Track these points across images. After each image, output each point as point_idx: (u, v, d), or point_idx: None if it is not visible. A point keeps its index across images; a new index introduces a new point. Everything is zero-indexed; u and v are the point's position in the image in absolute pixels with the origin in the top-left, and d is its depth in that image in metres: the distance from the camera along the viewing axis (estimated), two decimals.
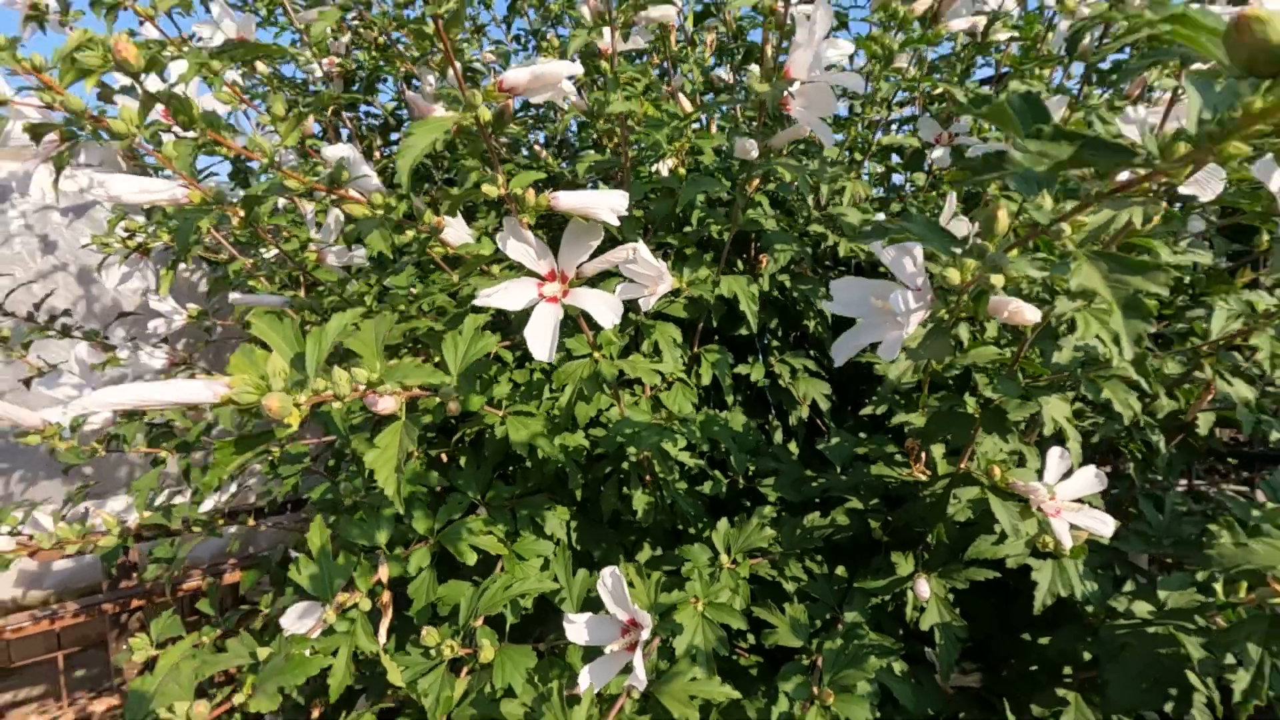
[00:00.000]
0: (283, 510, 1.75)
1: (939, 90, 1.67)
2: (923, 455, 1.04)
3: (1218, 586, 0.73)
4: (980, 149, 1.19)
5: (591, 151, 1.36)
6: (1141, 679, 0.77)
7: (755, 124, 1.05)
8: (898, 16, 1.10)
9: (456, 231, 0.90)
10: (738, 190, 1.16)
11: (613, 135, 1.29)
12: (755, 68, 1.58)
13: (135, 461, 2.02)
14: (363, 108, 1.87)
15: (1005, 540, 0.95)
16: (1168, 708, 0.76)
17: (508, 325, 1.28)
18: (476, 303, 0.81)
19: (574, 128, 1.88)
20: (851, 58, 1.08)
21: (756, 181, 1.20)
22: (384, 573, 0.94)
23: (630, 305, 1.14)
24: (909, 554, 1.02)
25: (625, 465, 1.21)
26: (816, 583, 1.08)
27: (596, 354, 1.02)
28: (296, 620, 0.83)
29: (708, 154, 1.38)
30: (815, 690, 0.88)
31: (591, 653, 0.87)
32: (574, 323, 0.99)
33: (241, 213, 0.83)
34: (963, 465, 0.97)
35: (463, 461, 1.17)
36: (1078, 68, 1.17)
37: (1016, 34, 1.40)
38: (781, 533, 1.15)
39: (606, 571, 0.84)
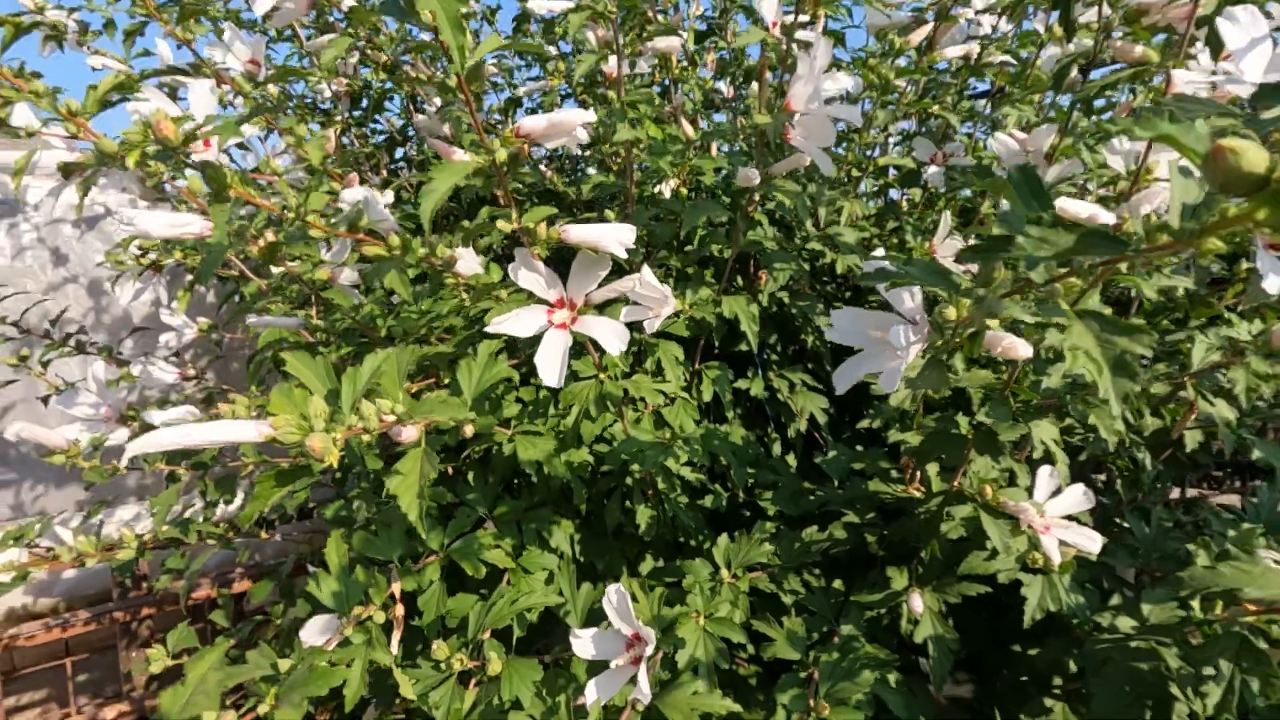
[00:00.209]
0: (289, 521, 1.78)
1: (935, 109, 1.71)
2: (918, 474, 1.08)
3: (1195, 604, 0.76)
4: (965, 163, 1.23)
5: (594, 171, 1.40)
6: (1124, 691, 0.80)
7: (756, 152, 1.08)
8: (894, 46, 1.14)
9: (468, 262, 0.94)
10: (739, 214, 1.19)
11: (618, 157, 1.32)
12: (755, 85, 1.62)
13: (143, 468, 2.06)
14: (370, 123, 1.90)
15: (996, 556, 0.99)
16: (1148, 717, 0.80)
17: (514, 344, 1.32)
18: (488, 329, 0.84)
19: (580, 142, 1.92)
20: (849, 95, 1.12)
21: (757, 198, 1.24)
22: (397, 587, 0.97)
23: (634, 324, 1.17)
24: (904, 569, 1.06)
25: (629, 480, 1.25)
26: (814, 596, 1.12)
27: (602, 375, 1.05)
28: (317, 634, 0.87)
29: (709, 174, 1.42)
30: (812, 703, 0.91)
31: (596, 666, 0.91)
32: (580, 344, 1.03)
33: (262, 243, 0.86)
34: (956, 483, 1.00)
35: (471, 477, 1.20)
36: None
37: (1009, 58, 1.44)
38: (780, 546, 1.18)
39: (612, 589, 0.87)
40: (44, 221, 1.95)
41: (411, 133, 1.83)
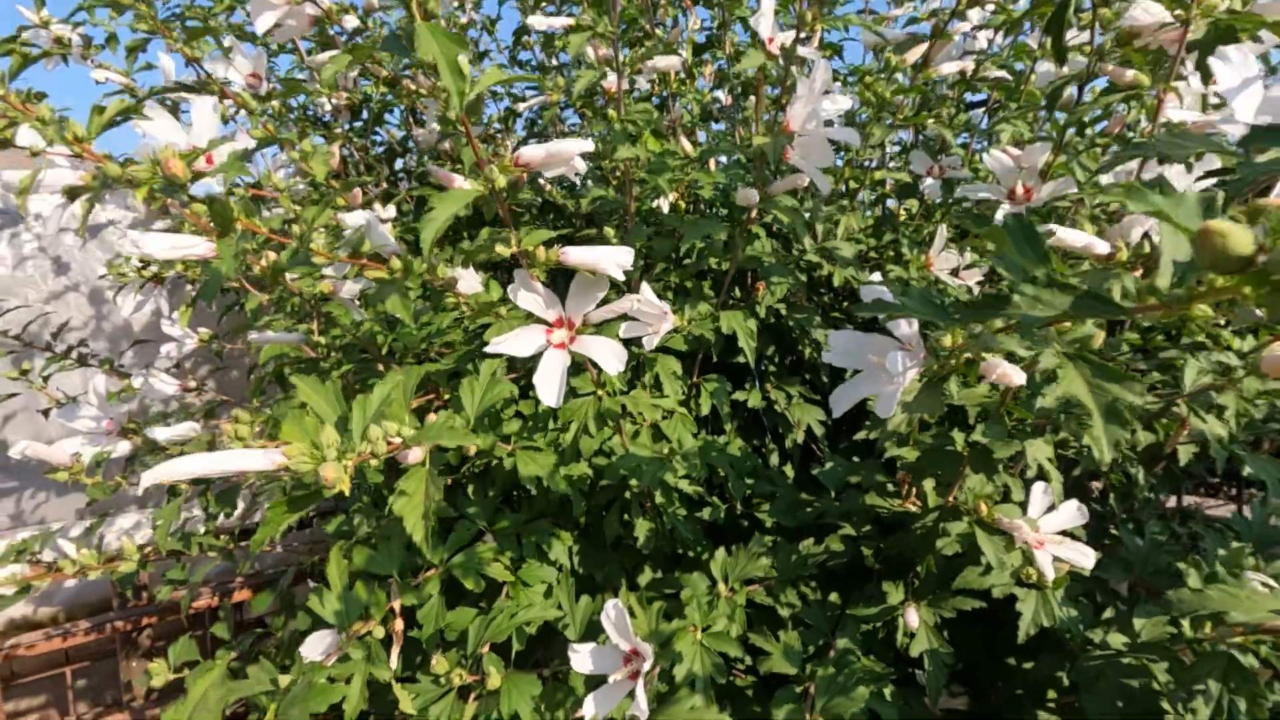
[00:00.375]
0: (290, 531, 1.79)
1: (930, 123, 1.72)
2: (914, 489, 1.09)
3: (1185, 623, 0.77)
4: (970, 190, 1.24)
5: (592, 184, 1.41)
6: (1115, 707, 0.81)
7: (755, 171, 1.10)
8: (890, 65, 1.15)
9: (468, 281, 0.95)
10: (737, 230, 1.21)
11: (617, 172, 1.34)
12: (753, 99, 1.63)
13: (146, 463, 2.07)
14: (371, 134, 1.91)
15: (991, 572, 1.00)
16: None
17: (513, 357, 1.33)
18: (488, 349, 0.85)
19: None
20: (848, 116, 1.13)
21: (755, 213, 1.25)
22: (397, 603, 0.98)
23: (633, 340, 1.19)
24: (899, 583, 1.07)
25: (627, 494, 1.26)
26: (810, 609, 1.13)
27: (600, 391, 1.06)
28: (316, 649, 0.87)
29: (707, 188, 1.43)
30: (808, 717, 0.92)
31: (595, 680, 0.92)
32: (580, 361, 1.04)
33: (265, 263, 0.87)
34: (951, 499, 1.02)
35: (471, 490, 1.21)
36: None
37: (1004, 73, 1.46)
38: (777, 559, 1.19)
39: (610, 604, 0.88)
40: (47, 232, 1.96)
41: (412, 144, 1.84)
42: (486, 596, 1.16)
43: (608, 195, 1.32)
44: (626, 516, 1.28)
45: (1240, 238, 0.31)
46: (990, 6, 1.35)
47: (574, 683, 1.05)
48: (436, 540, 1.09)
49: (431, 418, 0.76)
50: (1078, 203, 1.15)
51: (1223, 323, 1.07)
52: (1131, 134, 1.21)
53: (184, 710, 0.75)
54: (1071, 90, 1.00)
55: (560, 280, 0.92)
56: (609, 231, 1.22)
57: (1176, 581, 0.95)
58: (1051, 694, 1.03)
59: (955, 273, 1.50)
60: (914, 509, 1.07)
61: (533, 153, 0.70)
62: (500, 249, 0.78)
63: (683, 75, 1.62)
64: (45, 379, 1.39)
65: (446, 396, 1.13)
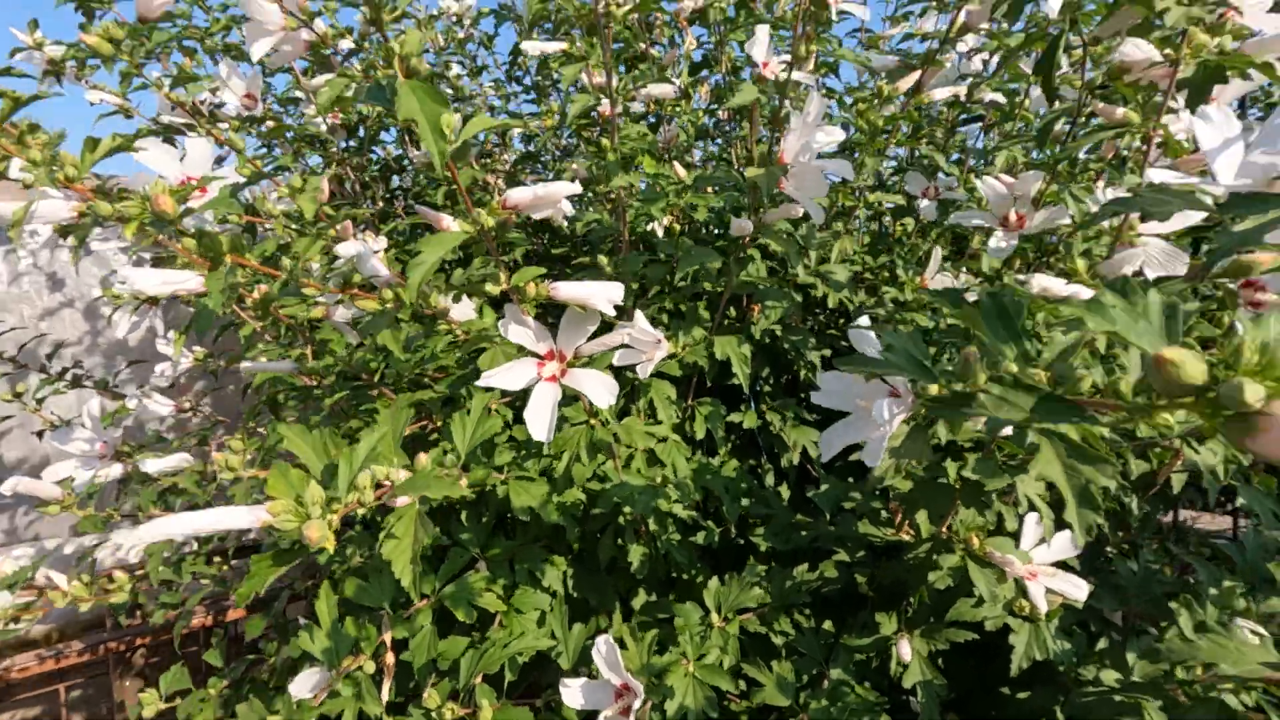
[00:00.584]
0: None
1: (924, 148, 1.73)
2: (906, 520, 1.09)
3: (1178, 641, 0.77)
4: (963, 217, 1.24)
5: (587, 208, 1.41)
6: None
7: (750, 199, 1.10)
8: (883, 94, 1.15)
9: (461, 308, 0.95)
10: (731, 258, 1.21)
11: (612, 195, 1.34)
12: (747, 124, 1.63)
13: (137, 491, 2.06)
14: (367, 152, 1.91)
15: (984, 604, 1.00)
16: None
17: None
18: (479, 383, 0.85)
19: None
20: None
21: (749, 238, 1.25)
22: (388, 636, 0.98)
23: (627, 366, 1.19)
24: (892, 614, 1.07)
25: (621, 519, 1.25)
26: (804, 637, 1.12)
27: (593, 420, 1.06)
28: (305, 687, 0.87)
29: (701, 211, 1.43)
30: None
31: (587, 715, 0.91)
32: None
33: (257, 295, 0.87)
34: (944, 530, 1.01)
35: (464, 515, 1.21)
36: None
37: (999, 95, 1.46)
38: (771, 584, 1.19)
39: (601, 640, 0.88)
40: (40, 247, 1.96)
41: (408, 163, 1.84)
42: (480, 622, 1.15)
43: (602, 219, 1.32)
44: (620, 541, 1.28)
45: (1191, 369, 0.32)
46: (984, 29, 1.36)
47: (568, 714, 1.05)
48: (428, 569, 1.09)
49: (422, 458, 0.76)
50: (1072, 233, 1.16)
51: None
52: (1125, 155, 1.21)
53: None
54: (1063, 123, 1.00)
55: (552, 311, 0.92)
56: (602, 259, 1.22)
57: (1169, 613, 0.95)
58: None
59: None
60: (907, 538, 1.07)
61: (520, 195, 0.70)
62: (490, 287, 0.78)
63: (678, 95, 1.62)
64: (39, 401, 1.38)
65: (440, 423, 1.13)
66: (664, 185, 1.35)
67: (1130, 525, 1.17)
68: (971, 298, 1.30)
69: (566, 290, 0.84)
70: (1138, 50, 0.88)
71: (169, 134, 1.07)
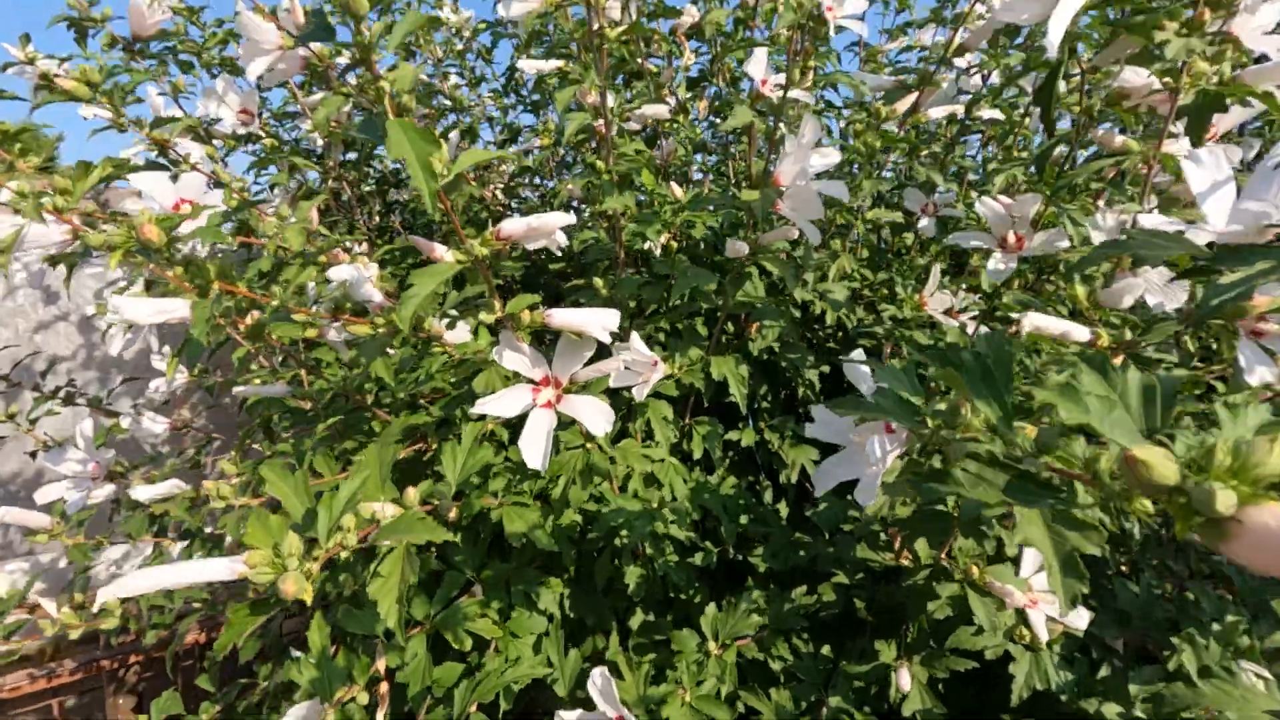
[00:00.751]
0: None
1: (921, 170, 1.72)
2: (905, 546, 1.08)
3: (1182, 686, 0.76)
4: (962, 238, 1.24)
5: (584, 226, 1.40)
6: None
7: (746, 220, 1.09)
8: (880, 115, 1.15)
9: (456, 333, 0.94)
10: (728, 278, 1.20)
11: (608, 214, 1.33)
12: (745, 139, 1.63)
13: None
14: (364, 166, 1.91)
15: (984, 633, 0.98)
16: None
17: None
18: (473, 411, 0.84)
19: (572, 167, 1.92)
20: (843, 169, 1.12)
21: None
22: (382, 664, 0.97)
23: (624, 388, 1.17)
24: (892, 641, 1.06)
25: (617, 541, 1.24)
26: (802, 662, 1.11)
27: (589, 444, 1.05)
28: None
29: (699, 228, 1.42)
30: None
31: None
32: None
33: (249, 321, 0.86)
34: (943, 557, 1.00)
35: (459, 538, 1.20)
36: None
37: (998, 112, 1.45)
38: (769, 608, 1.18)
39: (596, 672, 0.86)
40: (35, 261, 1.95)
41: (406, 176, 1.84)
42: (475, 646, 1.14)
43: (599, 238, 1.31)
44: (617, 563, 1.27)
45: (1162, 470, 0.31)
46: (982, 46, 1.35)
47: None
48: (423, 593, 1.08)
49: (410, 493, 0.75)
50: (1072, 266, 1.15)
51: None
52: (1125, 171, 1.21)
53: None
54: (1062, 148, 0.99)
55: (549, 332, 0.91)
56: (598, 282, 1.21)
57: (1171, 637, 0.94)
58: None
59: (949, 312, 1.49)
60: (906, 564, 1.06)
61: (514, 227, 0.69)
62: (484, 315, 0.77)
63: (674, 108, 1.62)
64: (32, 422, 1.37)
65: (435, 445, 1.12)
66: (660, 203, 1.34)
67: (1131, 547, 1.16)
68: (967, 318, 1.28)
69: (562, 317, 0.83)
70: (1137, 76, 0.88)
71: (157, 169, 1.06)
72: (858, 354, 0.72)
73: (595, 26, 1.07)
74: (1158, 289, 0.94)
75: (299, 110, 1.71)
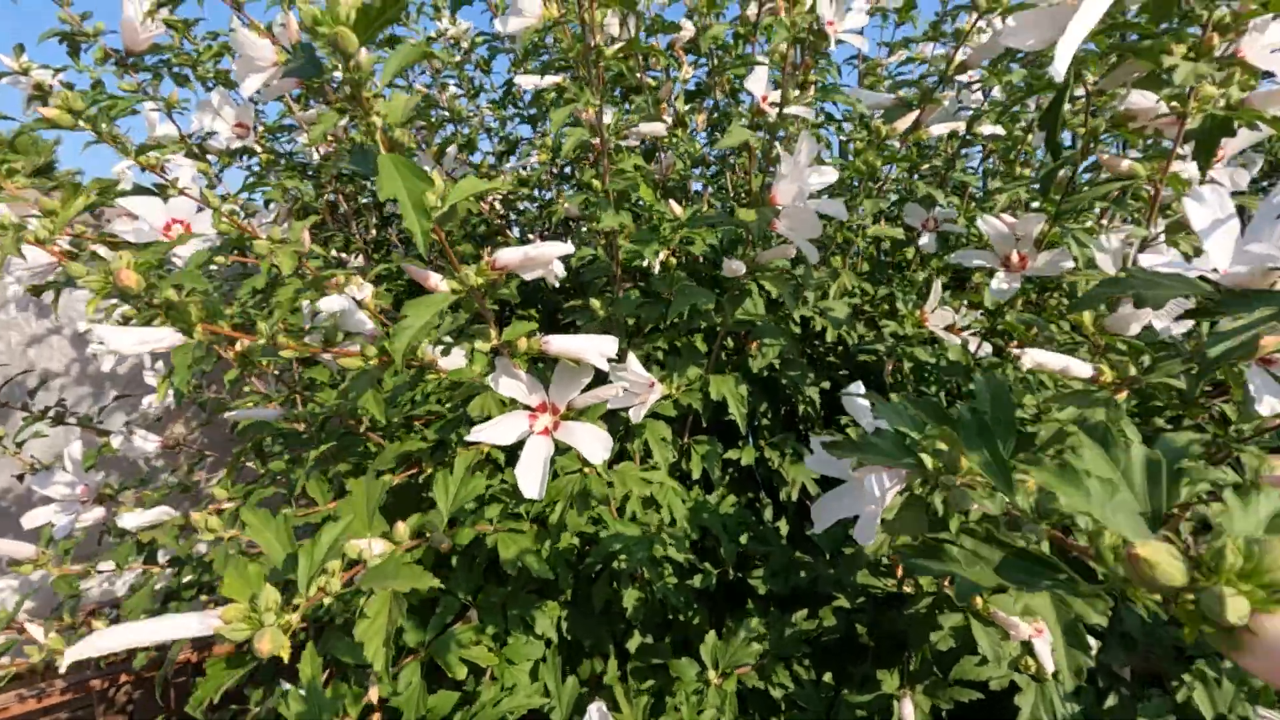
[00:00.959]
0: None
1: (925, 166, 1.71)
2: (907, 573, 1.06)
3: None
4: (964, 256, 1.22)
5: (581, 243, 1.39)
6: None
7: (744, 239, 1.08)
8: (880, 134, 1.14)
9: (451, 359, 0.92)
10: (726, 297, 1.18)
11: (605, 234, 1.32)
12: (743, 155, 1.61)
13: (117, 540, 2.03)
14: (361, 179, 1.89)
15: (988, 663, 0.96)
16: None
17: None
18: (468, 438, 0.82)
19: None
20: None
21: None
22: (374, 694, 0.95)
23: (621, 409, 1.16)
24: (894, 670, 1.04)
25: (616, 565, 1.23)
26: (804, 690, 1.09)
27: (586, 469, 1.03)
28: None
29: (699, 244, 1.41)
30: None
31: None
32: None
33: (237, 350, 0.84)
34: (946, 584, 0.99)
35: (454, 561, 1.18)
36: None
37: (1001, 130, 1.44)
38: (770, 632, 1.16)
39: (592, 708, 0.85)
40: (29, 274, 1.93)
41: None
42: (471, 671, 1.12)
43: (597, 255, 1.30)
44: (615, 585, 1.25)
45: (1168, 570, 0.29)
46: (983, 63, 1.34)
47: None
48: (414, 620, 1.06)
49: (399, 528, 0.73)
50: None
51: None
52: (1128, 192, 1.19)
53: None
54: (1066, 169, 0.98)
55: (545, 358, 0.89)
56: (595, 303, 1.19)
57: (1181, 665, 0.92)
58: None
59: (951, 329, 1.48)
60: (908, 590, 1.04)
61: (510, 256, 0.67)
62: (480, 344, 0.75)
63: (672, 123, 1.60)
64: (19, 445, 1.35)
65: (430, 470, 1.10)
66: (659, 219, 1.32)
67: None
68: (969, 335, 1.24)
69: (559, 344, 0.82)
70: (1145, 99, 0.86)
71: (145, 194, 1.04)
72: (856, 386, 0.70)
73: (592, 43, 1.06)
74: (1164, 314, 0.92)
75: (295, 124, 1.69)
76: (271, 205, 1.40)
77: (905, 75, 2.00)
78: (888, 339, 1.50)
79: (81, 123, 0.92)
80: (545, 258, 0.67)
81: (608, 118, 1.15)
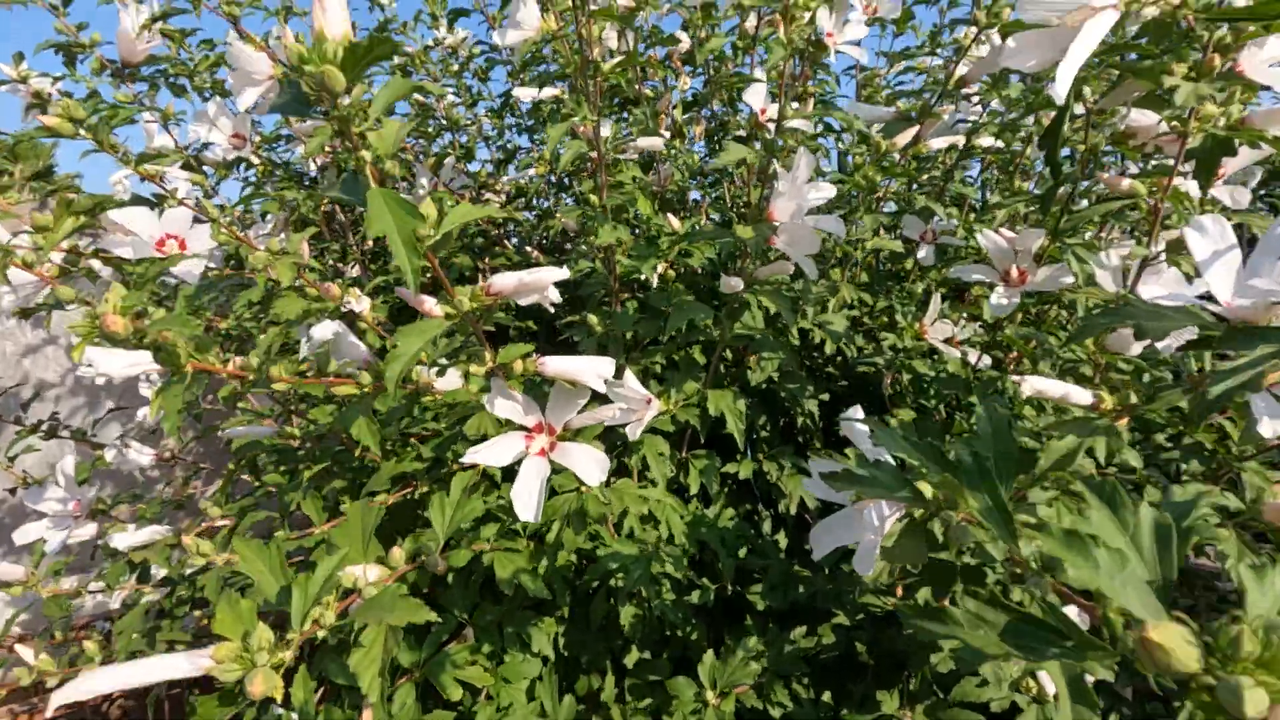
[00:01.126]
0: None
1: (924, 177, 1.70)
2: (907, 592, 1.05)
3: None
4: (964, 270, 1.22)
5: (584, 260, 1.38)
6: None
7: (741, 256, 1.07)
8: (880, 149, 1.13)
9: (446, 380, 0.91)
10: (724, 311, 1.18)
11: (602, 248, 1.31)
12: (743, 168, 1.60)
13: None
14: None
15: (989, 684, 0.96)
16: None
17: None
18: (464, 460, 0.82)
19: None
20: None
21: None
22: (368, 715, 0.94)
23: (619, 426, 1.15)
24: (894, 690, 1.03)
25: (613, 582, 1.22)
26: (803, 709, 1.08)
27: (583, 488, 1.02)
28: None
29: (697, 257, 1.40)
30: None
31: None
32: None
33: (231, 369, 0.83)
34: (945, 604, 0.98)
35: (450, 579, 1.17)
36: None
37: (1000, 143, 1.44)
38: (768, 649, 1.15)
39: None
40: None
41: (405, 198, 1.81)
42: (466, 691, 1.11)
43: (595, 268, 1.29)
44: (612, 601, 1.24)
45: (1182, 656, 0.28)
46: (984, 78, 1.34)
47: None
48: (408, 640, 1.05)
49: (395, 553, 0.72)
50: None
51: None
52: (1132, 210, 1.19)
53: None
54: (1066, 187, 0.97)
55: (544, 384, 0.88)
56: (592, 319, 1.19)
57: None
58: None
59: (950, 341, 1.47)
60: (908, 610, 1.03)
61: (505, 282, 0.67)
62: (474, 368, 0.75)
63: (669, 135, 1.60)
64: (11, 459, 1.34)
65: (426, 488, 1.09)
66: (657, 230, 1.32)
67: None
68: (968, 348, 1.23)
69: (555, 366, 0.81)
70: (1145, 117, 0.86)
71: (143, 201, 1.04)
72: (855, 411, 0.69)
73: (590, 56, 1.05)
74: (1173, 335, 0.92)
75: (291, 134, 1.69)
76: (268, 216, 1.39)
77: (904, 84, 2.00)
78: (886, 352, 1.49)
79: (82, 131, 0.91)
80: (541, 283, 0.66)
81: (606, 131, 1.14)
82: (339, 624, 0.57)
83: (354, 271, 1.82)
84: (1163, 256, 0.85)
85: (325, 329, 0.78)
